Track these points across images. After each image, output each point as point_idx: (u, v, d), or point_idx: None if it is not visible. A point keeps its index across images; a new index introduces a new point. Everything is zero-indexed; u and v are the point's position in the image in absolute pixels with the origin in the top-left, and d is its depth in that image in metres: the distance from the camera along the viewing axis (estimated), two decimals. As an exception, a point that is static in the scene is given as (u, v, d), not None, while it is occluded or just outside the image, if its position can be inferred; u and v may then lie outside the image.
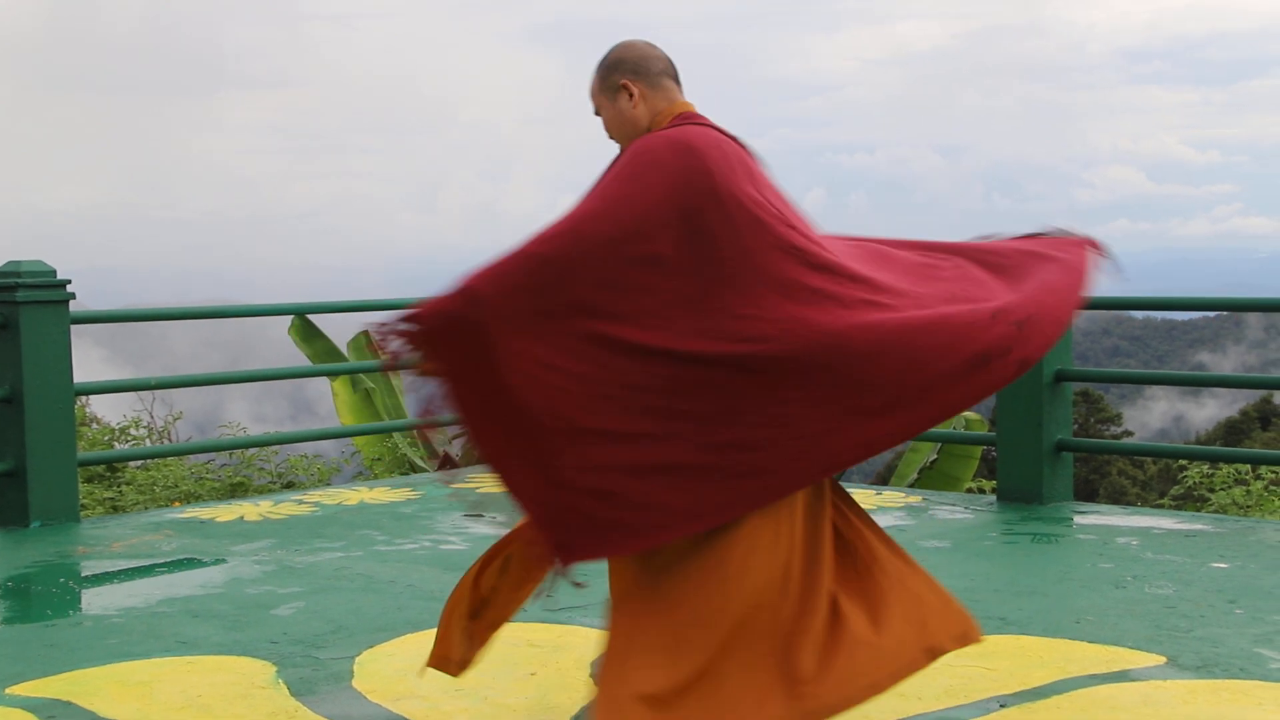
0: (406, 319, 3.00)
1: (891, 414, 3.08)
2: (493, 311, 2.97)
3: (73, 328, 7.06)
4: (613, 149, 3.39)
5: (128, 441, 13.49)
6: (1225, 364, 68.21)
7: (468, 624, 3.49)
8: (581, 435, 2.99)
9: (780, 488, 3.07)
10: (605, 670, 3.09)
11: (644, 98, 3.30)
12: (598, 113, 3.39)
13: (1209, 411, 54.64)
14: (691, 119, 3.26)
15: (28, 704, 4.02)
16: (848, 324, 3.03)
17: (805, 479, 3.10)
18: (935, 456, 12.15)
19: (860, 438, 3.09)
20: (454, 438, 3.39)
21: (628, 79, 3.30)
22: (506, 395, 2.99)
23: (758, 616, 3.07)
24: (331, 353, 12.37)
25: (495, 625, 3.51)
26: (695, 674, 3.03)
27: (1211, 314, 67.82)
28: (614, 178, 3.12)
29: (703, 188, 3.06)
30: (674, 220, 3.04)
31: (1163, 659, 4.29)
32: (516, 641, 4.54)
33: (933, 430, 10.78)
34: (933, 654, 3.24)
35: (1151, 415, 62.08)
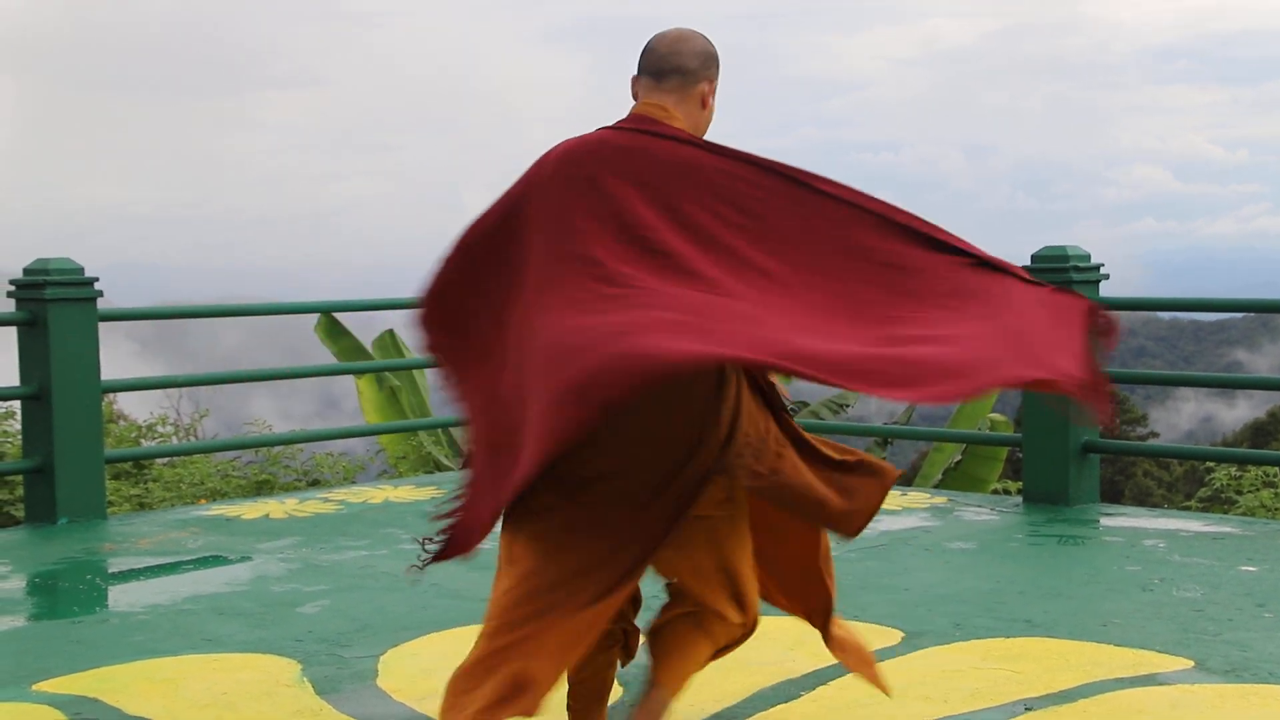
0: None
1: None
2: (435, 304, 3.15)
3: (102, 323, 7.10)
4: None
5: (155, 438, 13.55)
6: (1261, 363, 67.72)
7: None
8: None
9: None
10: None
11: (637, 94, 3.25)
12: None
13: (1239, 412, 54.28)
14: (620, 122, 3.19)
15: (54, 700, 4.03)
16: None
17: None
18: (960, 457, 12.11)
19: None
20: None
21: (635, 74, 3.26)
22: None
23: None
24: (357, 350, 12.40)
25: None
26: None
27: (1238, 315, 67.43)
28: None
29: (515, 196, 3.12)
30: (503, 211, 3.13)
31: (1191, 663, 4.26)
32: (541, 641, 4.54)
33: (958, 431, 10.75)
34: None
35: (1180, 416, 61.76)
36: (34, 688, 4.17)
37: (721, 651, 3.35)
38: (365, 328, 12.99)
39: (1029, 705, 3.87)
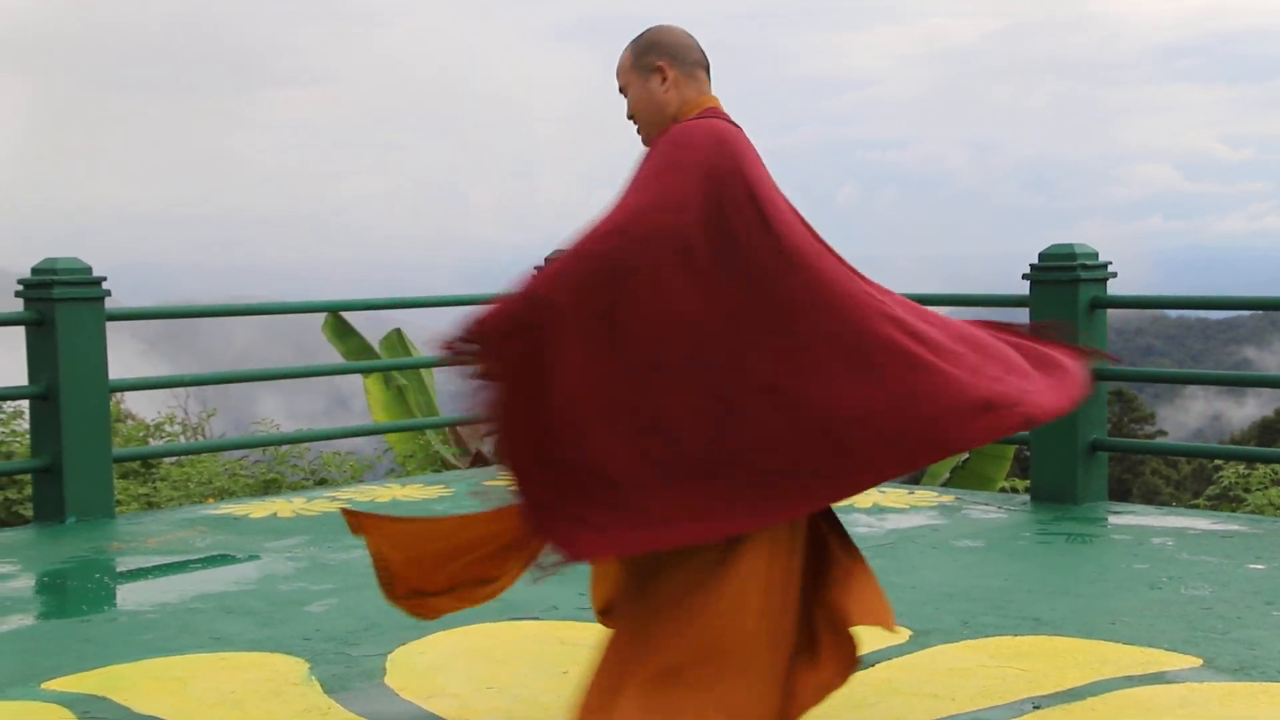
0: (476, 322, 2.98)
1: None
2: (555, 313, 2.96)
3: (109, 323, 7.10)
4: (637, 142, 3.34)
5: (162, 438, 13.56)
6: (1271, 360, 67.51)
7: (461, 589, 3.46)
8: (603, 439, 2.98)
9: (782, 507, 3.05)
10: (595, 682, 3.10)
11: (676, 84, 3.25)
12: (623, 90, 3.32)
13: (1248, 410, 54.15)
14: (719, 114, 3.23)
15: (63, 699, 4.04)
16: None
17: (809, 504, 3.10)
18: (968, 456, 12.08)
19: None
20: (485, 435, 3.30)
21: (664, 61, 3.25)
22: (549, 403, 2.97)
23: (738, 634, 3.06)
24: (364, 350, 12.41)
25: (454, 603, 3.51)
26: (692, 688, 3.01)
27: (1246, 313, 67.28)
28: (653, 170, 3.10)
29: (735, 185, 3.06)
30: (704, 213, 3.03)
31: (1199, 661, 4.26)
32: (549, 640, 4.55)
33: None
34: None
35: (1189, 415, 61.61)
36: (43, 686, 4.18)
37: None
38: (372, 327, 12.99)
39: (1037, 703, 3.87)
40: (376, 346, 12.57)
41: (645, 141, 3.28)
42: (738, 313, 3.01)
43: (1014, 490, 12.62)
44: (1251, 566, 5.60)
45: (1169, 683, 4.04)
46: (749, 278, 3.02)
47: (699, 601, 3.03)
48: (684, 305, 2.99)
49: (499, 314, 2.98)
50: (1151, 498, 25.74)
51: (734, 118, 3.27)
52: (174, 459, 12.85)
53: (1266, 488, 13.97)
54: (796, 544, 3.16)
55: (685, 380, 2.99)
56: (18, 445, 11.46)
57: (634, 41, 3.31)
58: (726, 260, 3.02)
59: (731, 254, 3.03)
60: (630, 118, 3.33)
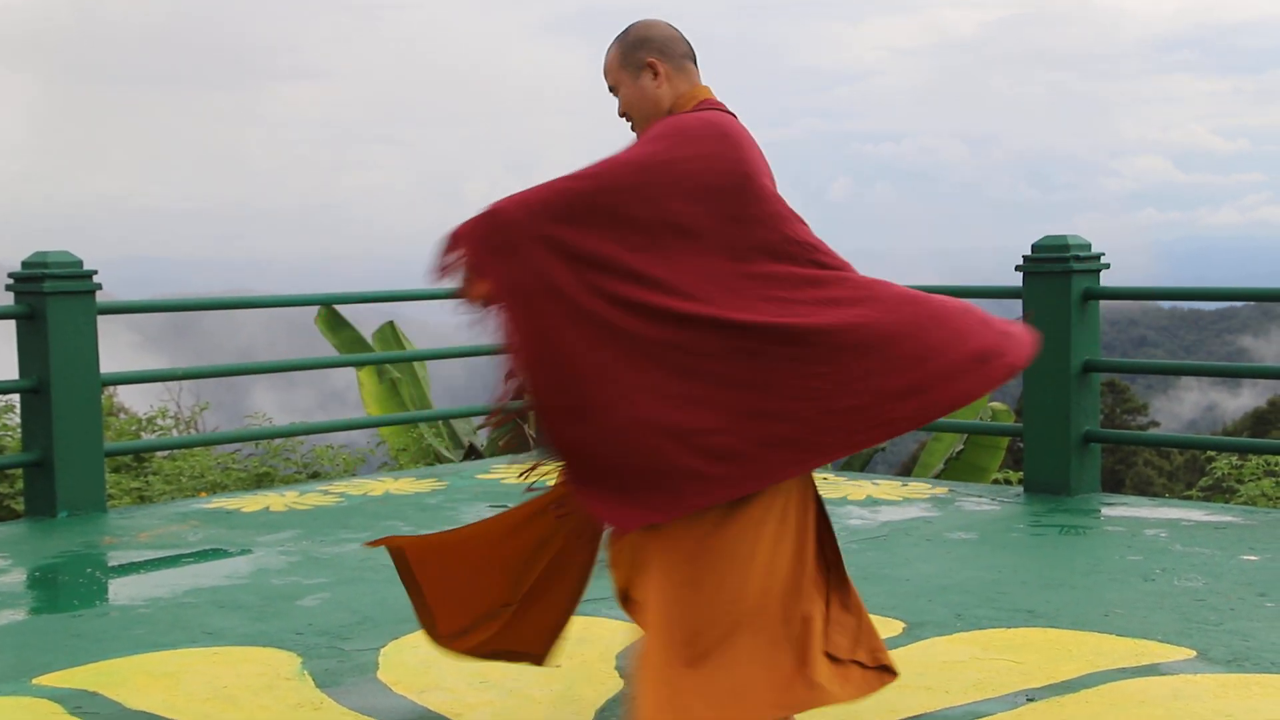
0: (446, 246, 3.01)
1: (913, 397, 3.07)
2: (521, 231, 2.98)
3: (106, 316, 7.08)
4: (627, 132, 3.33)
5: (154, 431, 13.52)
6: (1268, 349, 67.57)
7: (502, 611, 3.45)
8: (627, 390, 2.98)
9: (807, 460, 3.07)
10: (645, 654, 3.08)
11: (668, 78, 3.24)
12: (614, 90, 3.31)
13: (1242, 401, 54.20)
14: (714, 105, 3.23)
15: (54, 694, 4.03)
16: (871, 312, 3.06)
17: (831, 453, 3.10)
18: (961, 447, 12.09)
19: (883, 416, 3.08)
20: (511, 390, 3.27)
21: (654, 57, 3.24)
22: (549, 334, 2.98)
23: (768, 603, 3.07)
24: (358, 342, 12.39)
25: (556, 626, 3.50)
26: (710, 656, 3.02)
27: (1239, 304, 67.34)
28: (647, 140, 3.12)
29: (735, 172, 3.07)
30: (703, 197, 3.04)
31: (1193, 653, 4.26)
32: (541, 633, 4.53)
33: (959, 421, 10.73)
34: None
35: (1183, 406, 61.70)
36: (34, 681, 4.17)
37: None
38: (365, 319, 12.96)
39: (1031, 696, 3.86)
40: (370, 339, 12.55)
41: None
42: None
43: (1007, 482, 12.62)
44: (1245, 558, 5.61)
45: (1162, 674, 4.04)
46: (749, 255, 3.06)
47: (704, 569, 3.04)
48: (680, 277, 3.01)
49: (465, 234, 3.01)
50: (1144, 489, 25.79)
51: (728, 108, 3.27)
52: (166, 453, 12.82)
53: (1259, 478, 13.98)
54: (806, 522, 3.16)
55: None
56: (9, 439, 11.43)
57: (619, 39, 3.30)
58: (726, 243, 3.05)
59: (733, 237, 3.05)
60: (623, 115, 3.32)
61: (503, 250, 2.99)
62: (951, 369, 3.07)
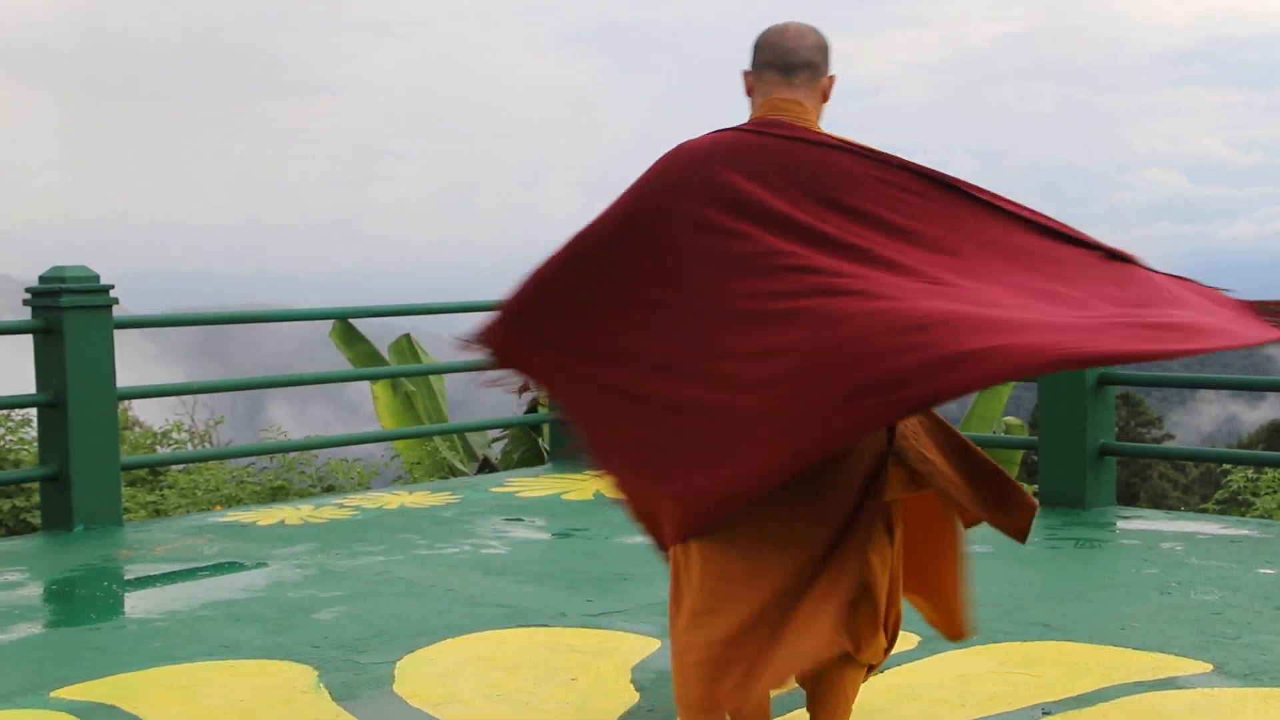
0: (474, 343, 3.14)
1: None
2: (519, 337, 3.11)
3: (121, 329, 7.11)
4: (646, 153, 3.33)
5: (170, 445, 13.57)
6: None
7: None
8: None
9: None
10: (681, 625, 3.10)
11: (753, 88, 3.22)
12: None
13: (1261, 413, 53.91)
14: (758, 122, 3.15)
15: (71, 707, 4.04)
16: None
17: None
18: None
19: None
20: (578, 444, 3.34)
21: (747, 68, 3.23)
22: (598, 419, 3.07)
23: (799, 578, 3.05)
24: (372, 356, 12.42)
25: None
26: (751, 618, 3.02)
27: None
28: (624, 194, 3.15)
29: (649, 205, 3.05)
30: (626, 235, 3.04)
31: (1210, 666, 4.24)
32: (557, 646, 4.54)
33: (973, 435, 10.72)
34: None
35: (1202, 418, 61.42)
36: (51, 695, 4.18)
37: (872, 670, 3.32)
38: (381, 333, 12.99)
39: (1047, 709, 3.85)
40: (385, 352, 12.58)
41: None
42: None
43: (1022, 495, 12.58)
44: (1261, 571, 5.59)
45: (1179, 688, 4.03)
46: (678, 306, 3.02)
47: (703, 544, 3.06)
48: (635, 346, 3.03)
49: (482, 338, 3.13)
50: (1159, 502, 25.70)
51: (736, 122, 3.20)
52: (181, 466, 12.86)
53: (1275, 491, 13.93)
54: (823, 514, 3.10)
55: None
56: (26, 453, 11.47)
57: None
58: (655, 284, 3.03)
59: (661, 276, 3.02)
60: None
61: (508, 352, 3.13)
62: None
